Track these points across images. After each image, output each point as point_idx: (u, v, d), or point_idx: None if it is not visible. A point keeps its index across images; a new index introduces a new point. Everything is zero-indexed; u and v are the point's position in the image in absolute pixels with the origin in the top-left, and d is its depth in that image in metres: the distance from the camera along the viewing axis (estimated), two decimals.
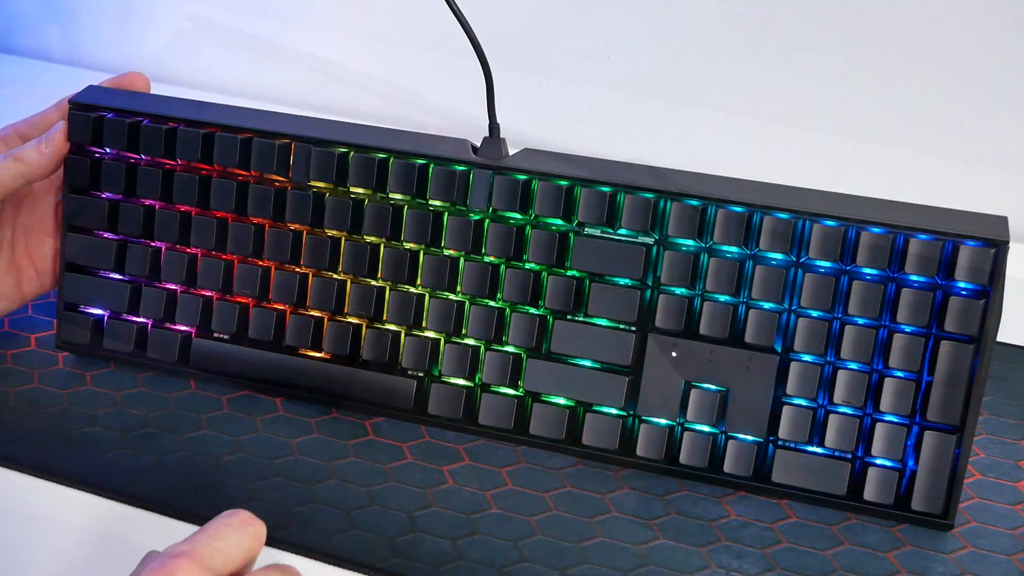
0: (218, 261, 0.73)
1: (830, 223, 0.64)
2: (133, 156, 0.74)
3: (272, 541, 0.62)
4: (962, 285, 0.63)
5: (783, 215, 0.65)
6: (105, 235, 0.75)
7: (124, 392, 0.73)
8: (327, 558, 0.61)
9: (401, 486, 0.66)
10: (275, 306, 0.73)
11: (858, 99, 1.01)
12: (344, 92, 1.17)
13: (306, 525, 0.63)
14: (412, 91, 1.13)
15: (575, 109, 1.09)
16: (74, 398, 0.72)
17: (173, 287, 0.74)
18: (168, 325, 0.74)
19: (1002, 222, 0.63)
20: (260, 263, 0.72)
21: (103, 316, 0.75)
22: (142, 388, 0.74)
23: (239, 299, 0.73)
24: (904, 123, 1.00)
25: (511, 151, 0.70)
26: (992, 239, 0.62)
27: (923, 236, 0.63)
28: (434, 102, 1.13)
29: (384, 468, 0.68)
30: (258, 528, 0.55)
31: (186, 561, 0.51)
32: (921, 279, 0.63)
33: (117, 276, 0.75)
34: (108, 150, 0.74)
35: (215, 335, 0.74)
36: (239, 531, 0.54)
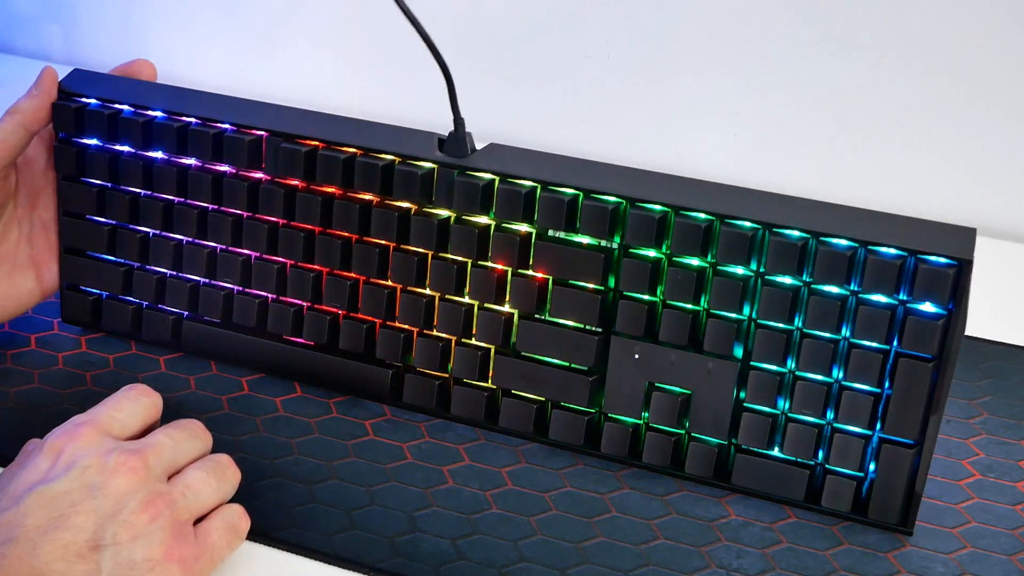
0: (201, 249, 0.75)
1: (792, 235, 0.62)
2: (115, 146, 0.75)
3: (272, 541, 0.62)
4: (923, 303, 0.61)
5: (744, 225, 0.63)
6: (97, 220, 0.77)
7: None
8: (327, 558, 0.61)
9: (401, 486, 0.66)
10: (257, 294, 0.74)
11: (858, 99, 1.01)
12: (345, 90, 1.17)
13: (306, 525, 0.63)
14: (407, 90, 1.14)
15: (575, 109, 1.09)
16: (74, 398, 0.72)
17: (163, 271, 0.76)
18: (161, 307, 0.77)
19: (969, 235, 0.61)
20: (240, 252, 0.74)
21: (101, 296, 0.78)
22: None
23: (224, 286, 0.75)
24: (902, 124, 1.00)
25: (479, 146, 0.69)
26: (956, 257, 0.60)
27: (886, 252, 0.61)
28: (428, 100, 1.13)
29: (384, 468, 0.68)
30: (154, 399, 0.62)
31: (88, 427, 0.58)
32: (882, 295, 0.62)
33: (111, 259, 0.78)
34: (92, 139, 0.75)
35: (205, 319, 0.76)
36: (135, 401, 0.61)
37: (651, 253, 0.65)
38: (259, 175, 0.72)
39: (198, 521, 0.59)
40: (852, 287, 0.62)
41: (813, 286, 0.63)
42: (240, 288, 0.75)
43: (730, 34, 1.02)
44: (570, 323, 0.68)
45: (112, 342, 0.78)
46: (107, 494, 0.55)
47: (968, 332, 0.82)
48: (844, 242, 0.62)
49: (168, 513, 0.56)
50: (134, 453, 0.57)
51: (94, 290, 0.78)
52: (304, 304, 0.73)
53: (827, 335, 0.63)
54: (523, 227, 0.68)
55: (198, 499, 0.58)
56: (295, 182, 0.72)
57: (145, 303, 0.77)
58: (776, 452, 0.66)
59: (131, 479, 0.56)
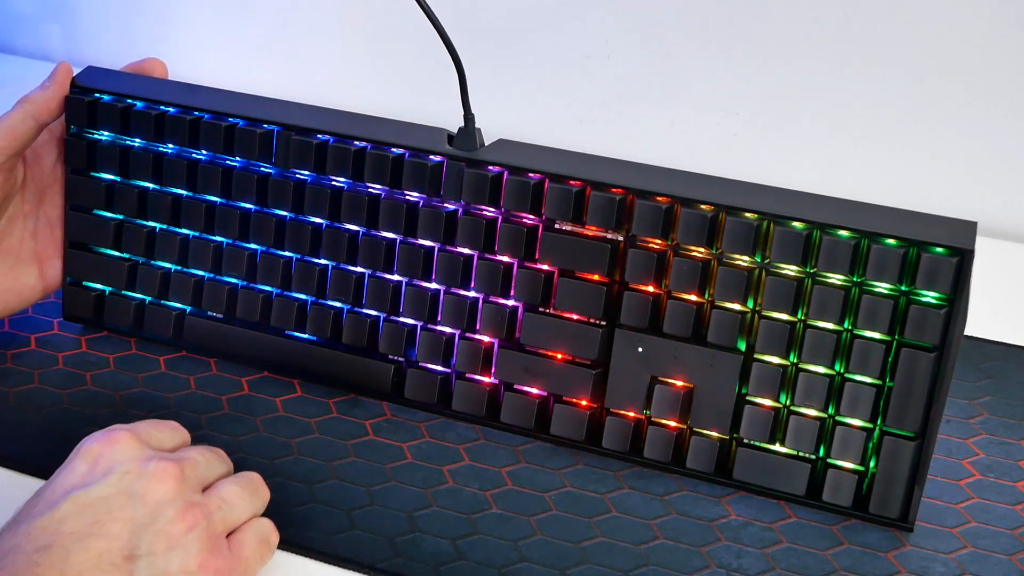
0: (208, 243, 0.75)
1: (795, 226, 0.63)
2: (127, 139, 0.75)
3: None
4: (925, 293, 0.62)
5: (749, 216, 0.64)
6: (104, 214, 0.77)
7: (124, 392, 0.73)
8: (327, 558, 0.61)
9: (401, 486, 0.66)
10: (261, 288, 0.74)
11: (858, 99, 1.01)
12: (347, 90, 1.17)
13: (306, 525, 0.63)
14: (413, 86, 1.14)
15: (575, 109, 1.09)
16: (74, 398, 0.72)
17: (167, 266, 0.76)
18: (163, 303, 0.77)
19: (970, 228, 0.62)
20: (247, 247, 0.74)
21: (103, 291, 0.78)
22: (142, 388, 0.74)
23: (229, 280, 0.75)
24: (901, 124, 1.00)
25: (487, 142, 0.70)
26: (957, 247, 0.61)
27: (889, 242, 0.62)
28: (434, 95, 1.13)
29: (384, 468, 0.68)
30: (187, 437, 0.63)
31: (125, 433, 0.58)
32: (885, 285, 0.62)
33: (116, 254, 0.78)
34: (104, 132, 0.75)
35: (208, 314, 0.76)
36: (173, 432, 0.62)
37: (658, 244, 0.66)
38: (268, 169, 0.73)
39: (230, 534, 0.58)
40: (855, 278, 0.63)
41: (817, 276, 0.63)
42: (245, 283, 0.75)
43: (730, 33, 1.02)
44: (574, 316, 0.68)
45: (112, 342, 0.78)
46: (145, 501, 0.54)
47: (968, 332, 0.82)
48: (847, 232, 0.62)
49: (204, 524, 0.56)
50: (173, 462, 0.57)
51: (97, 285, 0.78)
52: (308, 299, 0.74)
53: (830, 326, 0.63)
54: (530, 219, 0.68)
55: (233, 512, 0.58)
56: (304, 175, 0.72)
57: (148, 299, 0.77)
58: (777, 447, 0.66)
59: (170, 486, 0.55)
